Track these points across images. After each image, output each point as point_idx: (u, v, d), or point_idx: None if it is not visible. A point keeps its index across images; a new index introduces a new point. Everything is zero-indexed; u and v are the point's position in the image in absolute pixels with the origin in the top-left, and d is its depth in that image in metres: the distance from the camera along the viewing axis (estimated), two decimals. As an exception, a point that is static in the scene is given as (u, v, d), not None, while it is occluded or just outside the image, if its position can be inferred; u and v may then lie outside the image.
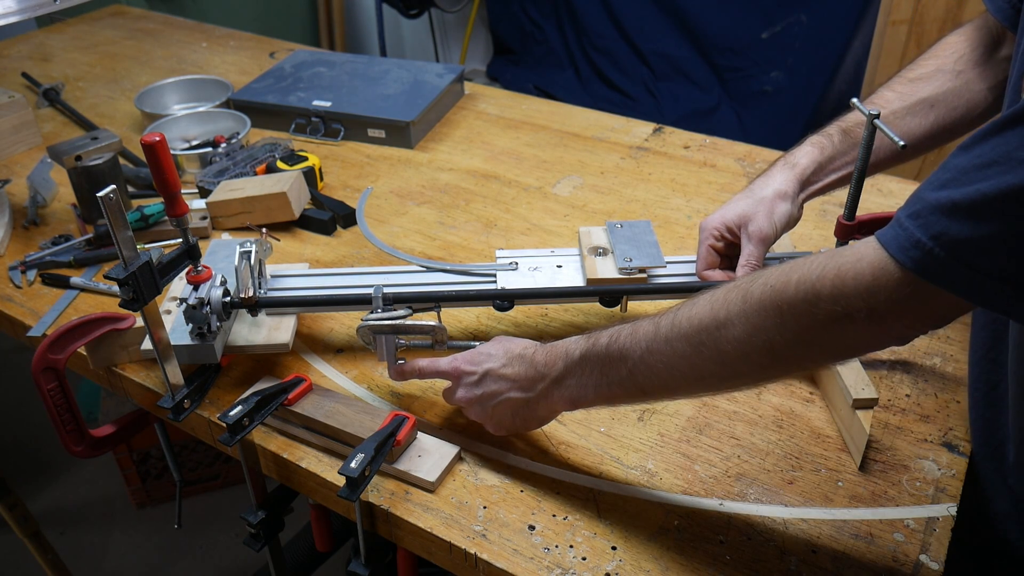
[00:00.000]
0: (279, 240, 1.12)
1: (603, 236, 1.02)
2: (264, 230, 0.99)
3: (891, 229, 0.59)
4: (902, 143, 0.77)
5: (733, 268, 0.98)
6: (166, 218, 1.24)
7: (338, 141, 1.53)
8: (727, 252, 0.99)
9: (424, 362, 0.89)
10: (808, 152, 0.97)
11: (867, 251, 0.60)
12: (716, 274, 0.97)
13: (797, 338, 0.64)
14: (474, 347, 0.91)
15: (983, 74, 0.95)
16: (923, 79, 0.97)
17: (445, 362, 0.87)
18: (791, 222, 0.96)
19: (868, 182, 1.32)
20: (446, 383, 0.98)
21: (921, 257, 0.57)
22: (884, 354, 1.00)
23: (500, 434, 0.88)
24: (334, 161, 1.47)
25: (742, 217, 0.95)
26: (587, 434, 0.91)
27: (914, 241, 0.57)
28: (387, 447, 0.84)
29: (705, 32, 3.17)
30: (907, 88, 0.97)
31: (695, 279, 0.98)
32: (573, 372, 0.78)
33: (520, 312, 1.09)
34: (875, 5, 2.27)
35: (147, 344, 0.95)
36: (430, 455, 0.86)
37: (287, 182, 1.25)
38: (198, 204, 1.28)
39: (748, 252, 0.94)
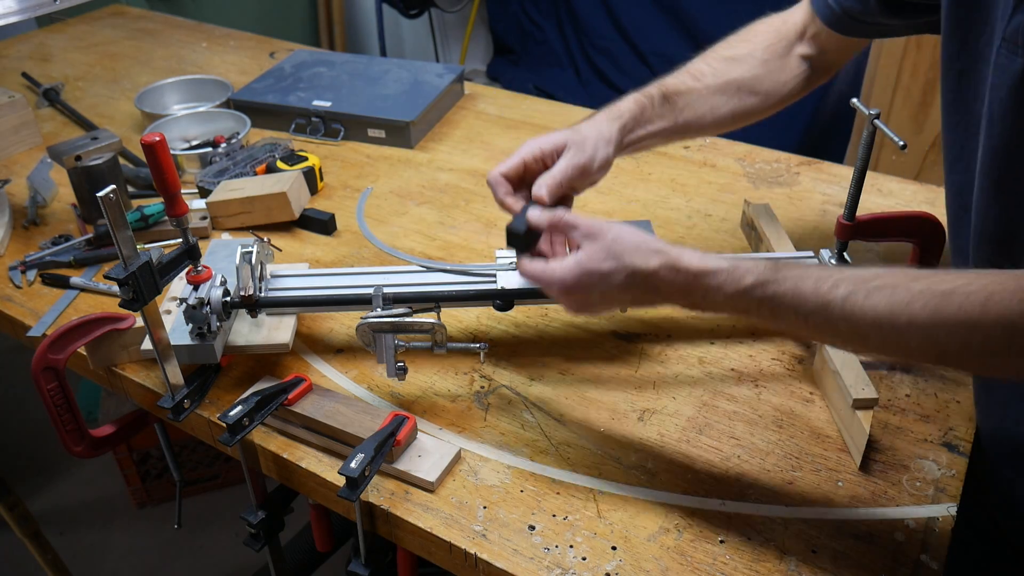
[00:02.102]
0: (280, 250, 1.12)
1: (603, 236, 1.02)
2: (267, 239, 0.99)
3: None
4: (902, 143, 0.78)
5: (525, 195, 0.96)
6: (166, 218, 1.24)
7: (338, 141, 1.53)
8: (525, 177, 0.96)
9: (532, 274, 0.82)
10: (631, 109, 0.99)
11: None
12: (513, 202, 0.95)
13: (976, 359, 0.64)
14: (475, 347, 0.91)
15: (782, 67, 1.02)
16: (736, 60, 1.03)
17: (557, 284, 0.79)
18: (606, 167, 0.96)
19: (868, 182, 1.33)
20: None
21: None
22: (884, 354, 1.00)
23: (581, 312, 0.83)
24: (334, 161, 1.47)
25: (567, 143, 0.94)
26: (587, 434, 0.91)
27: None
28: (387, 447, 0.84)
29: (705, 32, 3.16)
30: (721, 66, 1.02)
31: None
32: (708, 306, 0.75)
33: (520, 312, 1.09)
34: (875, 5, 2.27)
35: (147, 344, 0.95)
36: (430, 455, 0.86)
37: (287, 182, 1.25)
38: (198, 204, 1.28)
39: (555, 170, 0.92)
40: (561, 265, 0.79)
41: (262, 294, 0.97)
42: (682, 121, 1.00)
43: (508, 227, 0.83)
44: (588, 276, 0.77)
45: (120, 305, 0.82)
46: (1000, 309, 0.61)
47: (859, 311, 0.67)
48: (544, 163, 0.94)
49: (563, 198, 0.93)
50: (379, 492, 0.85)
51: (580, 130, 0.95)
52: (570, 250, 0.80)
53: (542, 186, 0.91)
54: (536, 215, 0.84)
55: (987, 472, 0.90)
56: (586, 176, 0.93)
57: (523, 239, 0.82)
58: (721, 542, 0.79)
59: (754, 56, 1.03)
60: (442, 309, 0.96)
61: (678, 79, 1.02)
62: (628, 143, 0.98)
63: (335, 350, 1.04)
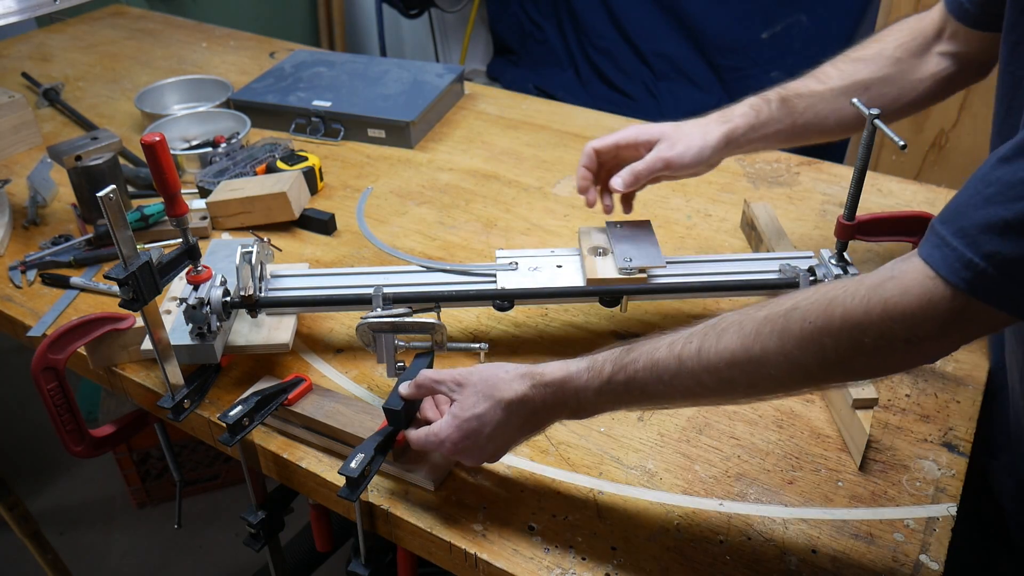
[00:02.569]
0: (280, 250, 1.12)
1: (603, 236, 1.02)
2: (267, 239, 0.99)
3: (937, 250, 0.58)
4: (902, 143, 0.77)
5: (603, 184, 1.03)
6: (166, 218, 1.24)
7: (338, 141, 1.53)
8: (618, 157, 1.01)
9: (414, 442, 0.81)
10: (744, 113, 0.99)
11: (912, 281, 0.59)
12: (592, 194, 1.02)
13: (836, 367, 0.64)
14: (475, 347, 0.91)
15: (918, 65, 0.98)
16: (863, 61, 0.99)
17: (434, 449, 0.80)
18: (701, 171, 0.99)
19: (868, 182, 1.33)
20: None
21: (973, 278, 0.56)
22: (884, 354, 1.00)
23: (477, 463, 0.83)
24: (334, 161, 1.47)
25: (662, 136, 0.97)
26: (587, 434, 0.91)
27: (965, 261, 0.56)
28: (387, 447, 0.84)
29: (705, 32, 3.16)
30: (848, 67, 1.00)
31: (695, 279, 0.98)
32: (586, 408, 0.75)
33: (520, 312, 1.09)
34: (875, 5, 2.28)
35: (147, 344, 0.95)
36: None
37: (287, 182, 1.25)
38: (198, 204, 1.28)
39: (644, 162, 0.96)
40: (440, 424, 0.78)
41: (262, 294, 0.97)
42: (802, 123, 0.99)
43: (383, 407, 0.82)
44: (467, 423, 0.76)
45: (120, 305, 0.82)
46: (842, 310, 0.61)
47: (715, 356, 0.67)
48: (637, 151, 0.98)
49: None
50: (379, 492, 0.85)
51: (681, 127, 0.98)
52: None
53: (618, 176, 0.96)
54: (405, 387, 0.82)
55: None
56: (673, 170, 0.96)
57: (402, 413, 0.81)
58: (721, 542, 0.79)
59: (883, 55, 0.99)
60: (442, 309, 0.96)
61: (800, 82, 1.01)
62: (739, 146, 0.99)
63: (335, 350, 1.04)
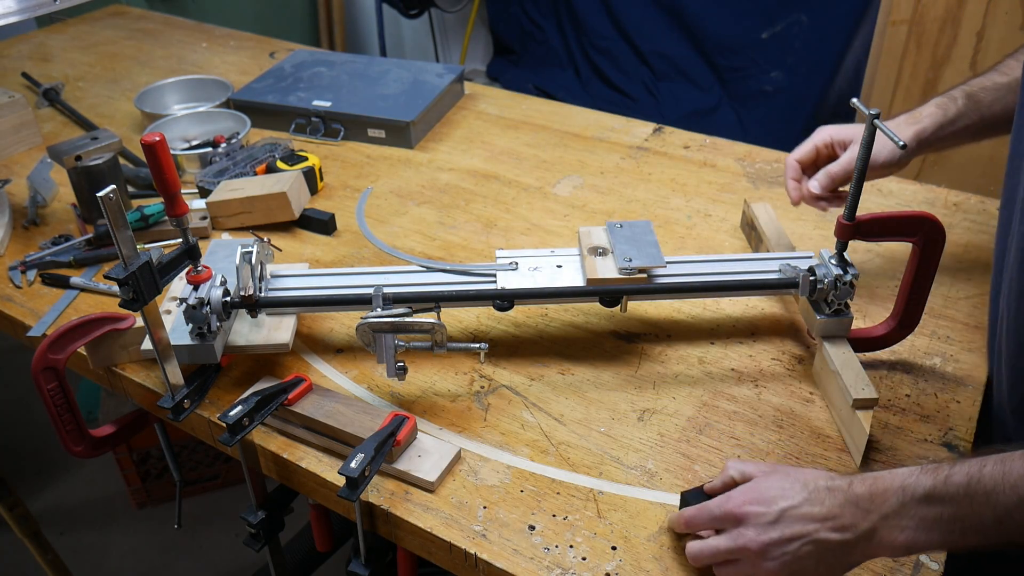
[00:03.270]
0: (280, 250, 1.12)
1: (603, 236, 1.02)
2: (267, 239, 1.00)
3: None
4: (902, 143, 0.77)
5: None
6: (166, 218, 1.24)
7: (338, 141, 1.53)
8: (817, 161, 1.06)
9: (690, 511, 0.76)
10: (932, 113, 1.01)
11: None
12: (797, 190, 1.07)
13: None
14: (475, 347, 0.91)
15: None
16: None
17: (717, 504, 0.74)
18: (891, 172, 1.03)
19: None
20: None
21: None
22: (884, 354, 1.00)
23: None
24: (334, 161, 1.47)
25: (854, 137, 1.02)
26: (587, 434, 0.91)
27: None
28: (387, 447, 0.84)
29: (705, 32, 3.17)
30: None
31: (695, 279, 0.98)
32: (911, 511, 0.66)
33: (520, 312, 1.09)
34: (875, 5, 2.28)
35: (147, 344, 0.95)
36: (430, 455, 0.86)
37: (287, 182, 1.25)
38: (198, 204, 1.28)
39: (838, 164, 1.01)
40: (735, 489, 0.74)
41: (262, 294, 0.97)
42: (990, 116, 1.00)
43: (683, 495, 0.80)
44: (765, 490, 0.71)
45: (120, 305, 0.82)
46: None
47: None
48: (834, 150, 1.03)
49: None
50: (379, 492, 0.85)
51: None
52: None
53: (814, 180, 1.01)
54: (710, 485, 0.78)
55: None
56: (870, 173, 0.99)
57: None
58: (721, 542, 0.79)
59: None
60: (442, 309, 0.96)
61: (984, 76, 1.02)
62: (928, 144, 1.01)
63: (335, 350, 1.04)
